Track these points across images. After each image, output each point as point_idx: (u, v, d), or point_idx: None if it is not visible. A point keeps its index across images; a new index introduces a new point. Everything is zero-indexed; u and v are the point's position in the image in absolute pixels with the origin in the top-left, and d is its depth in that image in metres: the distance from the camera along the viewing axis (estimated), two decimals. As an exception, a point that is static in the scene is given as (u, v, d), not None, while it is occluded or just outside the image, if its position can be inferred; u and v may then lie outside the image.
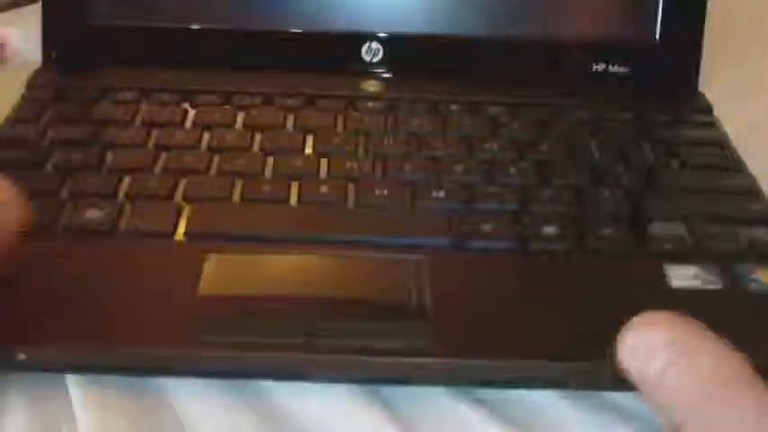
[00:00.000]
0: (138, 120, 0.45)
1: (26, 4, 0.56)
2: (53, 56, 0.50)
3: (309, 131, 0.44)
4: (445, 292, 0.33)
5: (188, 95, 0.47)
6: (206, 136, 0.44)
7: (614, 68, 0.51)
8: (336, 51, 0.51)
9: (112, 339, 0.32)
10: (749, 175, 0.43)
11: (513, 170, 0.42)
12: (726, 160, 0.44)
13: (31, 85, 0.48)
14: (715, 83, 0.51)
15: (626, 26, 0.52)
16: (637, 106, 0.49)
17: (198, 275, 0.34)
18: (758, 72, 0.55)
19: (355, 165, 0.42)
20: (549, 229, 0.37)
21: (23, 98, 0.47)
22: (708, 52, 0.50)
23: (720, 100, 0.49)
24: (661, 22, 0.50)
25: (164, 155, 0.42)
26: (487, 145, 0.44)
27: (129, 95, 0.47)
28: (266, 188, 0.39)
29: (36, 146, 0.42)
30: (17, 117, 0.45)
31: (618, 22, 0.52)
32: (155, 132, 0.44)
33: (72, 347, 0.31)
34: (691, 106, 0.49)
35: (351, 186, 0.40)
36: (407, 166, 0.42)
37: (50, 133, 0.43)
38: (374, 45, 0.51)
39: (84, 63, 0.50)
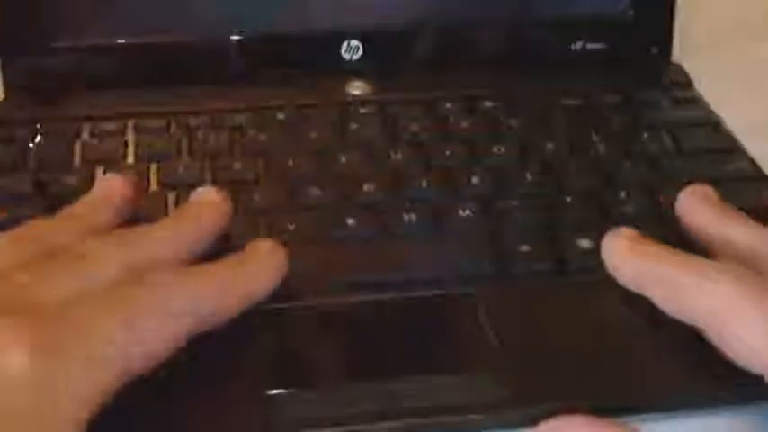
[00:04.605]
0: (131, 154, 0.43)
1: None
2: (17, 85, 0.47)
3: (312, 153, 0.43)
4: (507, 331, 0.33)
5: (174, 117, 0.45)
6: (208, 167, 0.42)
7: (591, 46, 0.52)
8: (316, 52, 0.49)
9: None
10: (747, 157, 0.44)
11: (528, 177, 0.42)
12: (721, 142, 0.45)
13: (2, 120, 0.45)
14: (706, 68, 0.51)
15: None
16: (621, 85, 0.49)
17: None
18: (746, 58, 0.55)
19: (372, 188, 0.41)
20: (585, 243, 0.38)
21: (-2, 139, 0.44)
22: (698, 37, 0.50)
23: (712, 86, 0.50)
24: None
25: (171, 195, 0.40)
26: (495, 148, 0.44)
27: (112, 126, 0.44)
28: (291, 227, 0.38)
29: (35, 201, 0.40)
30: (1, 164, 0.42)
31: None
32: (154, 168, 0.42)
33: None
34: (670, 79, 0.50)
35: (375, 216, 0.39)
36: (423, 183, 0.41)
37: (44, 180, 0.41)
38: (353, 43, 0.49)
39: (51, 90, 0.47)
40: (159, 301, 0.30)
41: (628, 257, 0.35)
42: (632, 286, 0.34)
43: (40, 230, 0.33)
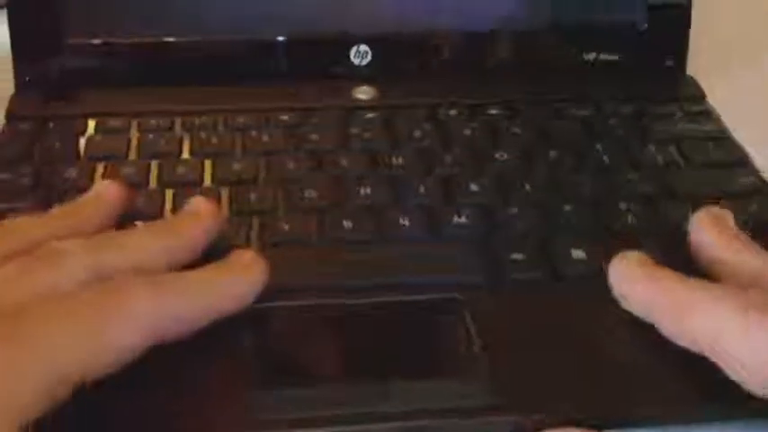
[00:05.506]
0: (134, 152, 0.43)
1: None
2: (28, 80, 0.47)
3: (311, 155, 0.43)
4: (494, 338, 0.33)
5: (180, 116, 0.45)
6: (208, 167, 0.42)
7: (604, 56, 0.51)
8: (325, 57, 0.49)
9: None
10: (757, 171, 0.43)
11: (528, 185, 0.41)
12: (730, 155, 0.44)
13: (11, 115, 0.45)
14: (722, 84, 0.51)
15: (612, 11, 0.51)
16: (632, 96, 0.48)
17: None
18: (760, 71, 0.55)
19: (370, 191, 0.40)
20: (579, 253, 0.37)
21: (5, 133, 0.44)
22: (712, 51, 0.50)
23: (725, 99, 0.49)
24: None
25: (169, 193, 0.40)
26: (497, 155, 0.43)
27: (117, 123, 0.45)
28: (286, 228, 0.38)
29: (37, 195, 0.40)
30: (5, 158, 0.42)
31: (604, 8, 0.51)
32: (154, 165, 0.42)
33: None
34: (683, 92, 0.50)
35: (372, 218, 0.39)
36: (421, 188, 0.41)
37: (46, 174, 0.41)
38: (362, 47, 0.49)
39: (61, 86, 0.47)
40: (119, 306, 0.29)
41: (636, 285, 0.33)
42: (639, 313, 0.33)
43: (22, 226, 0.33)
